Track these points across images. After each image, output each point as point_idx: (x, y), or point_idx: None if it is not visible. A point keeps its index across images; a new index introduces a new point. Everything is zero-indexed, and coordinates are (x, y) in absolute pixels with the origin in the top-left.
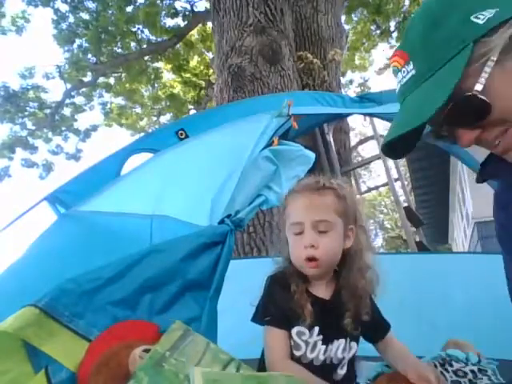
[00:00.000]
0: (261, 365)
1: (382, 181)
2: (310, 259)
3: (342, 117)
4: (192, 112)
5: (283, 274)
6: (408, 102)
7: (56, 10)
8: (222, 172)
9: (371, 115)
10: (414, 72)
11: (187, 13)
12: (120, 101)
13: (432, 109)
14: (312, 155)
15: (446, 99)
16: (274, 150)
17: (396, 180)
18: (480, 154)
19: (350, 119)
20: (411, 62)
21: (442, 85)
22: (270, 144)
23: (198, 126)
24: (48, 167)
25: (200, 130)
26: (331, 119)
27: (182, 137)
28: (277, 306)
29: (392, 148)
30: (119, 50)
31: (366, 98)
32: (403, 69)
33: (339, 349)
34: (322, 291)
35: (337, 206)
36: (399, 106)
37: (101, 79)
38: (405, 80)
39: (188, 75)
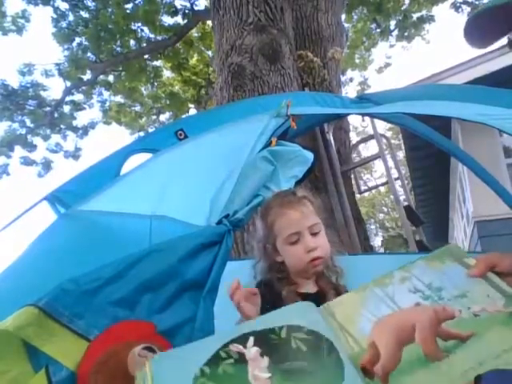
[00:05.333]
0: None
1: (381, 180)
2: (315, 259)
3: (341, 117)
4: (192, 111)
5: (271, 280)
6: None
7: (56, 9)
8: (220, 172)
9: (369, 115)
10: None
11: (187, 11)
12: (120, 99)
13: None
14: (310, 156)
15: None
16: (273, 151)
17: (396, 179)
18: (478, 153)
19: (350, 118)
20: None
21: None
22: (268, 144)
23: (197, 127)
24: (47, 165)
25: (199, 130)
26: (330, 119)
27: (181, 137)
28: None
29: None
30: (119, 49)
31: (364, 99)
32: None
33: None
34: (310, 288)
35: (314, 209)
36: None
37: (100, 77)
38: None
39: (188, 74)
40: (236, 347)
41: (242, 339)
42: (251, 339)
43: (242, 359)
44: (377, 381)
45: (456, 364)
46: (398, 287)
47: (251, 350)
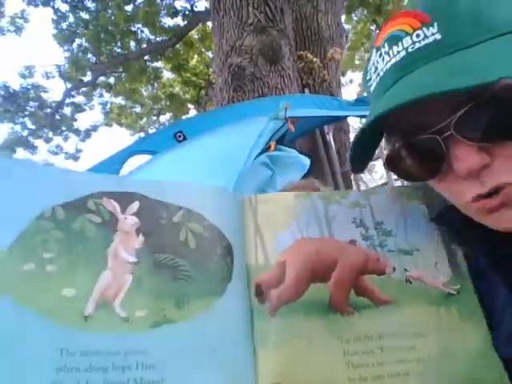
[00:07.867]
0: None
1: (381, 181)
2: None
3: (339, 119)
4: (192, 111)
5: None
6: (421, 73)
7: (56, 10)
8: (218, 175)
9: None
10: (438, 37)
11: (187, 12)
12: (120, 100)
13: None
14: (307, 161)
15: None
16: (271, 156)
17: (396, 180)
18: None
19: (350, 119)
20: (435, 24)
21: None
22: (266, 149)
23: (196, 129)
24: None
25: (198, 132)
26: (328, 122)
27: (180, 139)
28: None
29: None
30: (119, 50)
31: (361, 101)
32: (418, 32)
33: None
34: None
35: None
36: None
37: (101, 79)
38: (419, 45)
39: (188, 75)
40: (112, 205)
41: (125, 198)
42: (136, 204)
43: (111, 224)
44: (265, 307)
45: (355, 325)
46: (345, 211)
47: (129, 220)
